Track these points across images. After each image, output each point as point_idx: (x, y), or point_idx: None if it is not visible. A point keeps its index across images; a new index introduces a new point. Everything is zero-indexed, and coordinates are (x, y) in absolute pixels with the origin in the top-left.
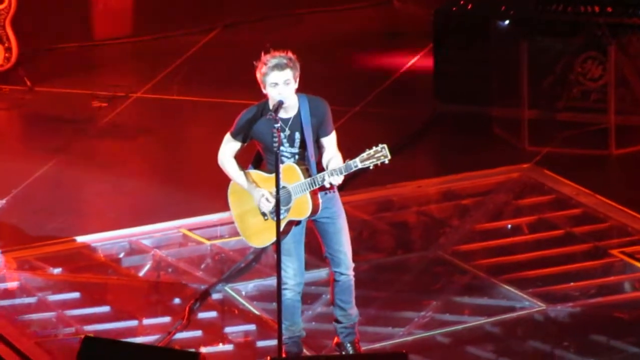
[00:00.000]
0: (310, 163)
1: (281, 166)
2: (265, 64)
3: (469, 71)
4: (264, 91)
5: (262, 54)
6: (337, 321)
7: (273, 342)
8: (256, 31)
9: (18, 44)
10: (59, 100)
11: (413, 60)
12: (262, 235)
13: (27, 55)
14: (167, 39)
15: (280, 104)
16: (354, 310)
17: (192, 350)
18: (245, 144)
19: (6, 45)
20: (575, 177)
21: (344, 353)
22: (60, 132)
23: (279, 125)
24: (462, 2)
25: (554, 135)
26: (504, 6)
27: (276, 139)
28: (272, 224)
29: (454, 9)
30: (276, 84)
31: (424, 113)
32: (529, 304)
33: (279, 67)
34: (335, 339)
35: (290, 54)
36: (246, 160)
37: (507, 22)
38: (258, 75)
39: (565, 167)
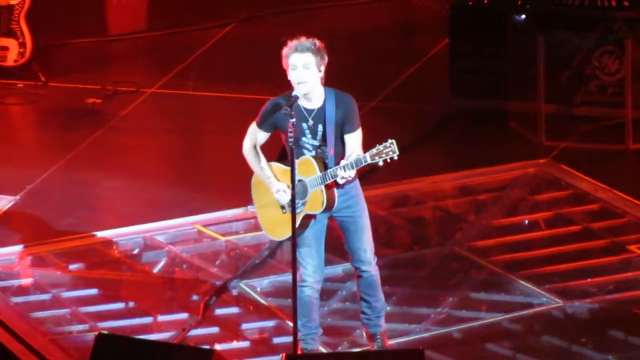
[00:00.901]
0: (328, 157)
1: (299, 159)
2: (288, 46)
3: (485, 66)
4: (289, 77)
5: (290, 39)
6: (362, 312)
7: (288, 339)
8: (271, 25)
9: (32, 39)
10: (73, 95)
11: (429, 55)
12: (281, 228)
13: (42, 50)
14: (182, 34)
15: (295, 99)
16: (379, 303)
17: (207, 347)
18: (269, 135)
19: (20, 40)
20: (593, 172)
21: (374, 345)
22: (74, 127)
23: (294, 120)
24: None
25: (571, 130)
26: (520, 0)
27: (292, 134)
28: (290, 217)
29: (470, 3)
30: (295, 66)
31: (439, 108)
32: (546, 300)
33: (300, 49)
34: (365, 329)
35: (316, 41)
36: (273, 152)
37: (523, 16)
38: (282, 60)
39: (582, 162)
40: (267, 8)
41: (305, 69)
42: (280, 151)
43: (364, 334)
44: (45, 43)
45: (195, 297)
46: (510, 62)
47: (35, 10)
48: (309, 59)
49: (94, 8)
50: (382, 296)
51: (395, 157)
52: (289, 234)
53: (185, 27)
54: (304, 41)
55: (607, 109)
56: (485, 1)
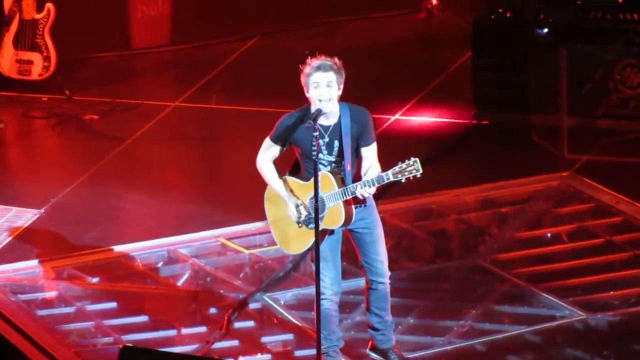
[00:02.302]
0: (345, 172)
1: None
2: (310, 65)
3: (507, 79)
4: (307, 95)
5: (309, 57)
6: (374, 328)
7: (311, 352)
8: (294, 39)
9: (57, 53)
10: (97, 109)
11: (451, 68)
12: (296, 243)
13: (66, 64)
14: (206, 48)
15: (319, 112)
16: (389, 317)
17: (231, 359)
18: (284, 149)
19: (45, 54)
20: (615, 184)
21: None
22: (98, 141)
23: (317, 134)
24: (500, 10)
25: (593, 142)
26: (542, 14)
27: (315, 147)
28: (305, 231)
29: (493, 17)
30: (318, 84)
31: (462, 121)
32: (569, 313)
33: (323, 68)
34: (370, 343)
35: (336, 60)
36: (285, 165)
37: (545, 29)
38: (302, 78)
39: (605, 175)
40: (289, 22)
41: (327, 87)
42: (292, 165)
43: (372, 354)
44: (69, 57)
45: (218, 310)
46: (532, 75)
47: (60, 25)
48: (331, 77)
49: (118, 22)
50: (390, 309)
51: (418, 175)
52: (303, 248)
53: (209, 41)
54: (325, 60)
55: (629, 122)
56: (508, 14)
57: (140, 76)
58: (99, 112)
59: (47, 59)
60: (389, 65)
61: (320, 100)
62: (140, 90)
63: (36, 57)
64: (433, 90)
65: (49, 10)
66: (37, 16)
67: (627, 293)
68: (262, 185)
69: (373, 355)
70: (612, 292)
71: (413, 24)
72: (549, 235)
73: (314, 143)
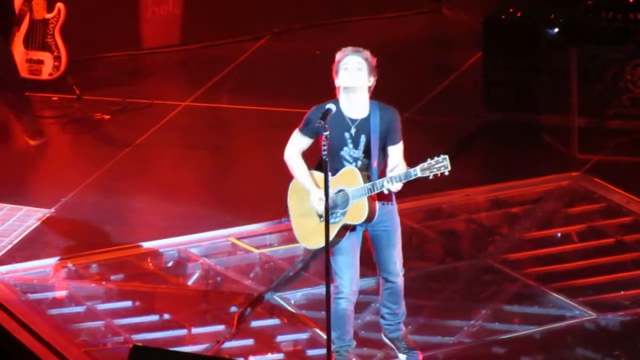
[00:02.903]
0: (371, 169)
1: (343, 169)
2: (342, 50)
3: (518, 79)
4: (336, 83)
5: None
6: (383, 317)
7: (322, 351)
8: (305, 39)
9: (67, 52)
10: (107, 108)
11: (462, 68)
12: (316, 237)
13: (76, 63)
14: (216, 47)
15: (329, 112)
16: (401, 309)
17: (241, 359)
18: (312, 141)
19: (55, 54)
20: (625, 184)
21: (396, 351)
22: (108, 140)
23: (327, 133)
24: (511, 10)
25: (604, 143)
26: (553, 14)
27: (325, 147)
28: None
29: (503, 17)
30: (348, 66)
31: (473, 121)
32: (579, 313)
33: (355, 51)
34: (384, 333)
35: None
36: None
37: (556, 30)
38: (334, 67)
39: (615, 175)
40: (300, 22)
41: (357, 70)
42: (319, 159)
43: (387, 340)
44: (79, 57)
45: (229, 310)
46: (543, 75)
47: (70, 24)
48: (362, 63)
49: (128, 22)
50: (403, 303)
51: (447, 173)
52: (322, 243)
53: (219, 41)
54: (359, 48)
55: (639, 122)
56: (519, 14)
57: (151, 76)
58: (110, 112)
59: (57, 58)
60: (400, 65)
61: (347, 79)
62: (151, 90)
63: (47, 57)
64: (443, 90)
65: (59, 10)
66: (48, 16)
67: (637, 293)
68: (272, 184)
69: (386, 340)
70: (622, 292)
71: (423, 24)
72: (559, 235)
73: (324, 142)
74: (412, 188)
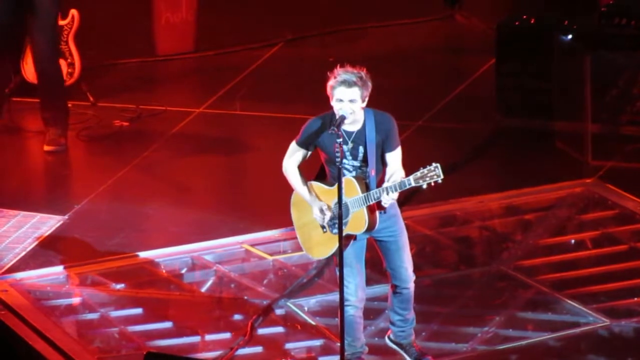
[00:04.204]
0: (370, 178)
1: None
2: (336, 77)
3: (531, 85)
4: (332, 103)
5: (337, 66)
6: (394, 324)
7: (335, 358)
8: (318, 46)
9: (81, 59)
10: (121, 115)
11: (475, 75)
12: (321, 248)
13: (90, 70)
14: (229, 54)
15: (342, 119)
16: (411, 315)
17: None
18: (310, 153)
19: (69, 60)
20: (639, 191)
21: (405, 355)
22: (122, 147)
23: (341, 140)
24: (524, 17)
25: (618, 149)
26: (566, 20)
27: (339, 153)
28: (330, 236)
29: (517, 23)
30: (341, 100)
31: (486, 127)
32: (593, 319)
33: (347, 84)
34: (389, 332)
35: (363, 73)
36: (311, 171)
37: (569, 36)
38: (328, 88)
39: (629, 182)
40: (314, 29)
41: (350, 103)
42: (318, 170)
43: (392, 345)
44: (93, 63)
45: (242, 317)
46: (556, 82)
47: (84, 31)
48: (355, 94)
49: (142, 29)
50: (412, 308)
51: (440, 181)
52: (328, 253)
53: (233, 48)
54: (350, 74)
55: None
56: (532, 21)
57: (164, 83)
58: (125, 119)
59: (71, 65)
60: (413, 71)
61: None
62: (164, 97)
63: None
64: (457, 96)
65: (73, 17)
66: (62, 22)
67: None
68: (286, 191)
69: (392, 345)
70: (636, 299)
71: (437, 31)
72: (572, 242)
73: (337, 150)
74: (425, 195)
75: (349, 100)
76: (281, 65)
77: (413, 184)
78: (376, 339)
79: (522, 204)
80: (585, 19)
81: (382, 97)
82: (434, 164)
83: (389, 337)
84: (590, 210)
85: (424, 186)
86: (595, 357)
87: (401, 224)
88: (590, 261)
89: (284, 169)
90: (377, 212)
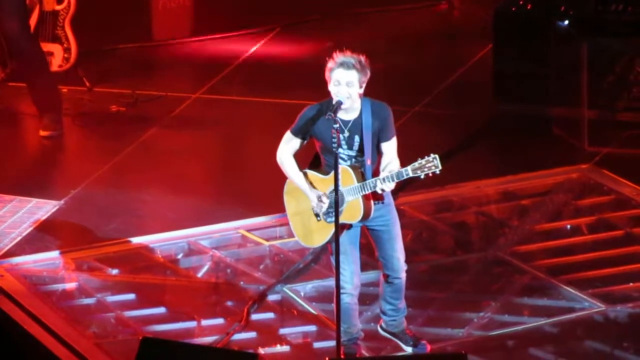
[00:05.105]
0: (365, 167)
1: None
2: (334, 60)
3: (528, 71)
4: (329, 88)
5: (337, 51)
6: (385, 314)
7: (331, 343)
8: (315, 31)
9: (77, 44)
10: (117, 100)
11: (473, 60)
12: (315, 236)
13: (86, 55)
14: (226, 39)
15: (339, 105)
16: (402, 304)
17: (251, 351)
18: (305, 142)
19: (65, 45)
20: (635, 177)
21: (400, 343)
22: (118, 132)
23: (337, 125)
24: (521, 2)
25: (614, 135)
26: (563, 6)
27: (335, 140)
28: (324, 225)
29: (514, 9)
30: (339, 82)
31: (483, 113)
32: (588, 305)
33: (345, 65)
34: (381, 322)
35: (362, 58)
36: (305, 160)
37: (566, 22)
38: (326, 72)
39: (625, 168)
40: (310, 14)
41: (347, 86)
42: (312, 159)
43: (385, 333)
44: (90, 48)
45: (238, 302)
46: (553, 68)
47: (80, 16)
48: (353, 77)
49: (139, 14)
50: (403, 298)
51: (438, 172)
52: (322, 241)
53: (230, 33)
54: (349, 57)
55: None
56: (529, 7)
57: (161, 68)
58: (122, 104)
59: (67, 50)
60: (411, 57)
61: (339, 99)
62: (161, 82)
63: (56, 49)
64: (454, 82)
65: (69, 2)
66: (58, 7)
67: None
68: (283, 177)
69: (384, 334)
70: (631, 284)
71: (435, 16)
72: (568, 227)
73: (334, 136)
74: (421, 181)
75: (346, 83)
76: (279, 50)
77: (411, 175)
78: (372, 324)
79: (519, 189)
80: (582, 5)
81: (379, 82)
82: (432, 155)
83: (381, 327)
84: (587, 195)
85: (422, 177)
86: (590, 342)
87: (394, 214)
88: (586, 247)
89: (278, 159)
90: (373, 202)
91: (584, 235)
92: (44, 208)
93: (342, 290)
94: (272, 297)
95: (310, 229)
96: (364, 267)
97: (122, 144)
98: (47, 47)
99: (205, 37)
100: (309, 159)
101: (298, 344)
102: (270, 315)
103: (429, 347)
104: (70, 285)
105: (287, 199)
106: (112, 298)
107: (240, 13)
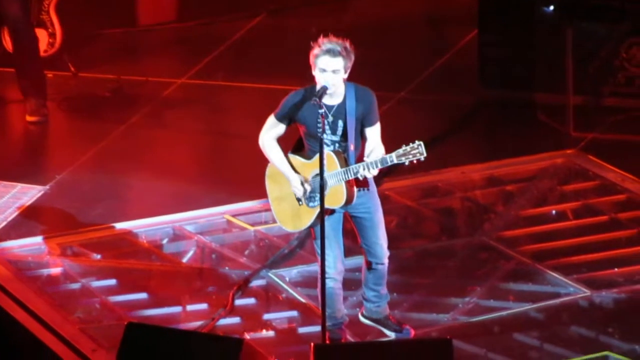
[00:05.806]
0: (349, 152)
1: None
2: (320, 46)
3: (513, 57)
4: (313, 73)
5: (321, 36)
6: (368, 300)
7: (316, 329)
8: (301, 16)
9: (62, 29)
10: (103, 86)
11: (458, 46)
12: (296, 220)
13: (71, 40)
14: (212, 25)
15: (324, 90)
16: (384, 290)
17: (236, 336)
18: (288, 127)
19: (50, 30)
20: (620, 162)
21: (383, 329)
22: (104, 118)
23: (323, 110)
24: None
25: (599, 121)
26: None
27: (320, 125)
28: (306, 209)
29: None
30: (324, 70)
31: (468, 99)
32: (573, 290)
33: (332, 53)
34: (362, 310)
35: (347, 44)
36: (287, 144)
37: (552, 7)
38: (311, 57)
39: (610, 153)
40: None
41: (333, 73)
42: (295, 143)
43: (366, 321)
44: (75, 33)
45: (223, 287)
46: (538, 53)
47: (65, 1)
48: (339, 64)
49: None
50: (385, 284)
51: (422, 159)
52: (303, 226)
53: (215, 18)
54: (335, 44)
55: (635, 101)
56: None
57: (146, 53)
58: (107, 89)
59: (52, 35)
60: (396, 42)
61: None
62: (146, 67)
63: (41, 34)
64: (439, 68)
65: None
66: None
67: (631, 270)
68: (267, 162)
69: (367, 322)
70: (616, 270)
71: (420, 1)
72: (554, 212)
73: (319, 120)
74: (406, 167)
75: (332, 70)
76: (264, 36)
77: (395, 161)
78: (357, 309)
79: (504, 175)
80: None
81: (365, 68)
82: (417, 142)
83: (362, 315)
84: (572, 181)
85: (406, 163)
86: (575, 327)
87: (376, 200)
88: (571, 232)
89: (260, 143)
90: (359, 189)
91: (569, 220)
92: (29, 193)
93: (326, 275)
94: (257, 283)
95: (291, 213)
96: (349, 252)
97: (107, 129)
98: None
99: (191, 22)
100: (292, 143)
101: (283, 329)
102: (255, 300)
103: (413, 332)
104: (56, 271)
105: (268, 182)
106: (97, 283)
107: None
